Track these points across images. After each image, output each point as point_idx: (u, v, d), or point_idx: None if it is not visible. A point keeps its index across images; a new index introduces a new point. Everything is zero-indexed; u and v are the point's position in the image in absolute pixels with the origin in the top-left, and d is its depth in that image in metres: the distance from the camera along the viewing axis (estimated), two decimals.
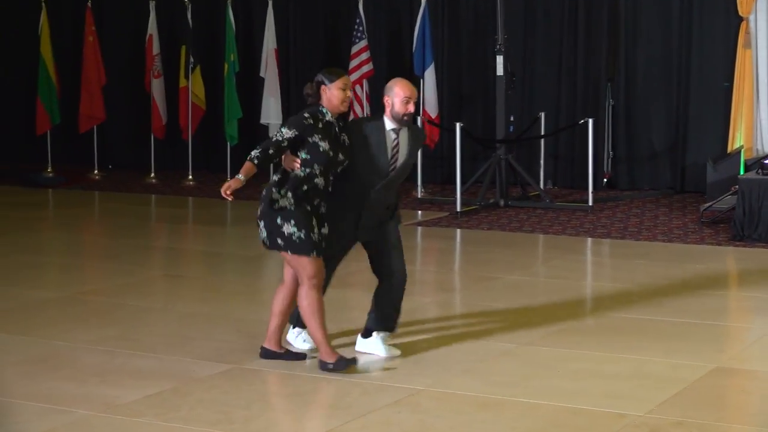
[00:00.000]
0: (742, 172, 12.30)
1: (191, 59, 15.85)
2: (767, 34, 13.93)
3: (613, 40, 14.88)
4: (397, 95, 6.82)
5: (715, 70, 14.32)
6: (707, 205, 12.41)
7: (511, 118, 14.01)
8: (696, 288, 9.21)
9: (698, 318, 8.17)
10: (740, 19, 13.91)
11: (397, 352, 7.16)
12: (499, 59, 13.82)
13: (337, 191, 6.77)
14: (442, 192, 14.55)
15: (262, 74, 15.57)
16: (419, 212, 13.38)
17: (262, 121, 15.59)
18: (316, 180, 6.58)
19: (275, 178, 6.68)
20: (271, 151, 6.45)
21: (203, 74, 16.01)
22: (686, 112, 14.49)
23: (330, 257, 6.91)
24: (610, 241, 11.54)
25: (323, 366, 6.71)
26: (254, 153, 6.46)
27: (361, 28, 14.90)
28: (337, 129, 6.68)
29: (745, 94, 13.85)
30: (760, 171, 11.46)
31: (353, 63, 14.89)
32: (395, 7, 16.06)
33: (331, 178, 6.67)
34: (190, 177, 16.01)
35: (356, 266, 8.20)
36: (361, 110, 14.88)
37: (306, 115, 6.58)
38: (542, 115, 14.36)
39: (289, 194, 6.53)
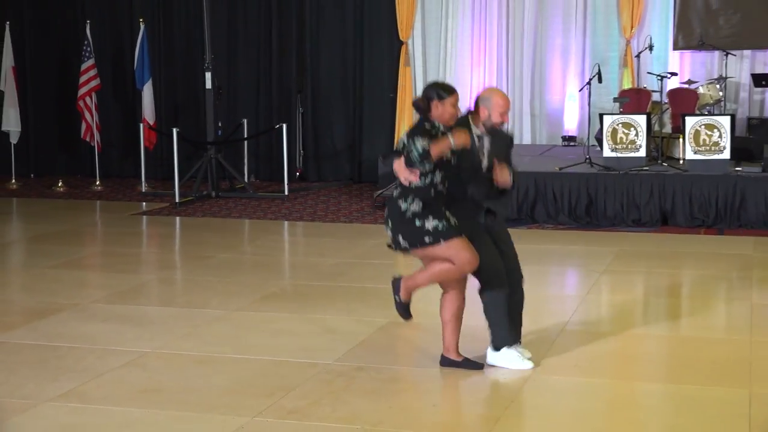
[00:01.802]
0: None
1: None
2: (422, 55, 14.43)
3: (300, 59, 15.03)
4: (496, 106, 5.93)
5: (382, 83, 14.71)
6: (379, 192, 12.71)
7: (219, 124, 13.96)
8: (371, 258, 9.46)
9: (374, 283, 8.37)
10: (401, 43, 14.36)
11: (530, 363, 6.10)
12: (208, 75, 13.74)
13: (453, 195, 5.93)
14: (162, 186, 14.32)
15: (2, 88, 14.86)
16: (143, 204, 13.13)
17: (3, 128, 14.91)
18: (440, 188, 5.73)
19: (395, 193, 5.80)
20: (422, 148, 5.53)
21: None
22: (361, 118, 14.83)
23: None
24: (303, 223, 11.68)
25: (449, 364, 6.00)
26: (415, 155, 5.53)
27: (88, 48, 14.48)
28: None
29: (407, 103, 14.29)
30: None
31: (83, 78, 14.47)
32: (118, 30, 15.67)
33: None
34: None
35: None
36: (91, 119, 14.50)
37: (426, 124, 5.74)
38: (245, 121, 14.35)
39: (417, 201, 5.70)
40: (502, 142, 6.13)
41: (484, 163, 6.01)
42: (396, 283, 6.02)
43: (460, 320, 6.01)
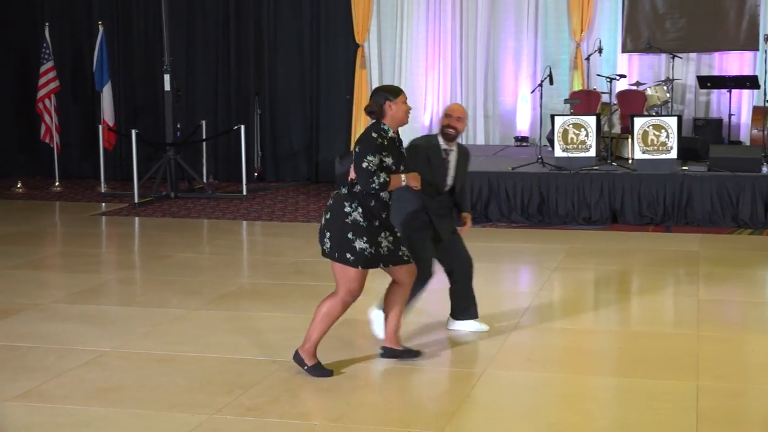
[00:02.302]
0: None
1: None
2: (378, 57, 14.43)
3: (258, 62, 14.98)
4: (447, 114, 6.33)
5: (339, 85, 14.70)
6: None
7: (178, 125, 13.89)
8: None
9: (332, 281, 8.31)
10: (357, 45, 14.35)
11: (486, 326, 6.68)
12: (167, 77, 13.66)
13: (400, 200, 6.10)
14: (122, 187, 14.21)
15: None
16: (103, 204, 13.02)
17: None
18: (384, 197, 5.72)
19: (344, 191, 5.74)
20: (384, 180, 5.60)
21: None
22: (318, 119, 14.81)
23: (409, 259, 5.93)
24: (261, 222, 11.64)
25: (301, 363, 5.86)
26: (375, 186, 5.58)
27: (47, 51, 14.32)
28: (397, 143, 5.80)
29: (363, 104, 14.27)
30: None
31: (42, 80, 14.32)
32: (77, 32, 15.53)
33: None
34: None
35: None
36: (51, 120, 14.34)
37: (374, 135, 5.68)
38: (203, 122, 14.29)
39: (360, 209, 5.65)
40: (465, 159, 6.51)
41: (449, 177, 6.38)
42: (297, 357, 5.88)
43: (398, 311, 6.02)
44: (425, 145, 6.43)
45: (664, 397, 5.45)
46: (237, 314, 7.31)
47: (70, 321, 7.12)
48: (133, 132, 13.20)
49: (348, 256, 5.68)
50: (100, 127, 14.16)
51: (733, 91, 12.50)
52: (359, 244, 5.65)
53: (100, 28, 14.28)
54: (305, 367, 5.84)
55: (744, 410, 5.35)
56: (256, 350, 6.35)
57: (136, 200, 12.71)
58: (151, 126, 14.94)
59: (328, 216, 5.79)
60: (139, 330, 6.87)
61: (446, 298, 6.74)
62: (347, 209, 5.70)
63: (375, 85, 14.34)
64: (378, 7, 14.35)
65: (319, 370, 5.82)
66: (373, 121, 5.82)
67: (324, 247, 5.79)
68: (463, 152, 6.54)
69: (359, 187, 5.69)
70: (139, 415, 5.23)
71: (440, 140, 6.42)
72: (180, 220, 11.76)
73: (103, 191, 13.81)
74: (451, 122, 6.38)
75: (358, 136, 5.84)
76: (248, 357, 6.21)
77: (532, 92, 13.13)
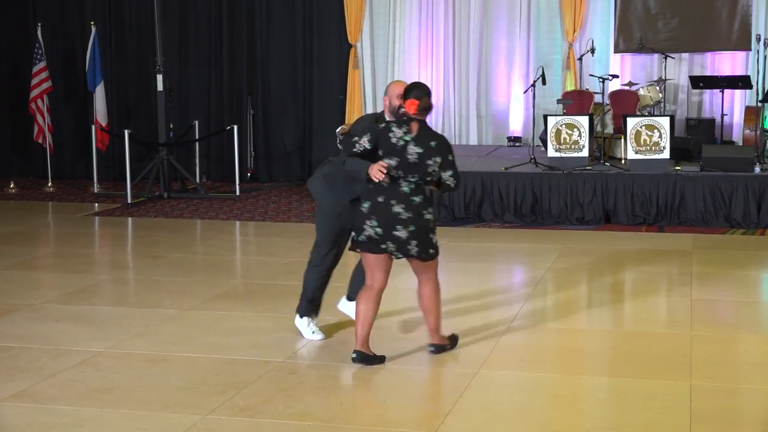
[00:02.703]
0: None
1: None
2: (371, 58, 14.43)
3: (251, 61, 14.96)
4: (392, 93, 6.22)
5: (332, 85, 14.69)
6: None
7: (171, 125, 13.85)
8: None
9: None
10: (350, 46, 14.34)
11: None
12: (159, 77, 13.64)
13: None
14: (115, 188, 14.19)
15: None
16: (96, 204, 12.98)
17: None
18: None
19: (417, 200, 5.83)
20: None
21: None
22: (311, 119, 14.79)
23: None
24: (254, 223, 11.62)
25: (442, 349, 6.20)
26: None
27: (40, 51, 14.29)
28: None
29: (356, 105, 14.32)
30: None
31: (34, 81, 14.27)
32: (69, 32, 15.50)
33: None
34: None
35: None
36: (43, 120, 14.32)
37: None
38: (196, 122, 14.26)
39: (431, 209, 5.96)
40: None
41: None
42: (438, 348, 6.16)
43: (368, 316, 6.02)
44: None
45: (658, 397, 5.45)
46: (230, 314, 7.30)
47: (63, 321, 7.11)
48: (126, 132, 13.18)
49: (432, 252, 5.96)
50: (93, 127, 14.14)
51: (726, 91, 12.51)
52: (435, 238, 5.99)
53: (93, 28, 14.25)
54: (447, 348, 6.18)
55: (737, 410, 5.36)
56: (249, 351, 6.34)
57: (129, 200, 12.69)
58: (144, 126, 14.91)
59: (410, 228, 5.82)
60: (132, 330, 6.86)
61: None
62: (428, 216, 5.88)
63: (368, 85, 14.37)
64: (371, 7, 14.34)
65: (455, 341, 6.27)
66: (422, 119, 5.90)
67: (412, 254, 5.90)
68: None
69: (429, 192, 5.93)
70: (132, 416, 5.22)
71: None
72: (173, 221, 11.74)
73: (96, 191, 13.78)
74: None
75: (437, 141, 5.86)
76: (242, 357, 6.20)
77: (524, 92, 13.13)
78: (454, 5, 14.14)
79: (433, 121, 13.78)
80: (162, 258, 9.49)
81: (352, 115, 14.24)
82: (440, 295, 6.14)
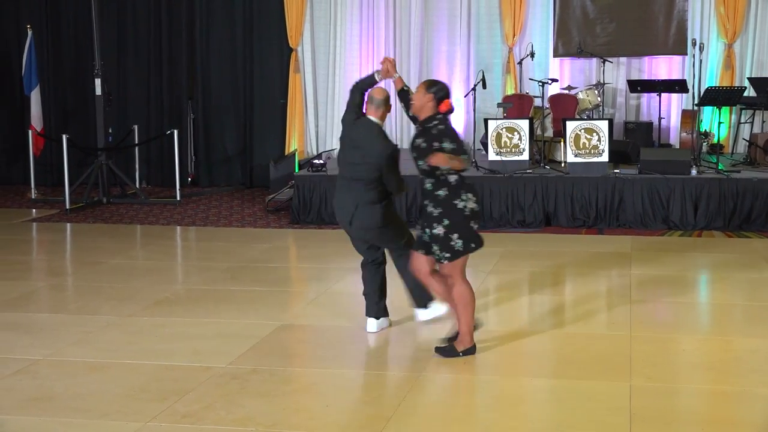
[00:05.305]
0: (297, 170, 12.65)
1: None
2: (312, 62, 14.40)
3: (191, 65, 14.87)
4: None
5: (273, 89, 14.64)
6: (271, 196, 12.67)
7: (110, 130, 13.72)
8: (264, 262, 9.40)
9: (266, 286, 8.34)
10: (291, 50, 14.31)
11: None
12: (98, 81, 13.50)
13: None
14: (52, 193, 14.01)
15: None
16: (33, 210, 12.80)
17: None
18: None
19: (443, 193, 6.04)
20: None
21: None
22: (252, 123, 14.73)
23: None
24: (195, 228, 11.54)
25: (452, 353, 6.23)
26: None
27: None
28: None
29: (297, 108, 14.29)
30: (309, 169, 11.84)
31: None
32: (5, 36, 15.29)
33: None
34: None
35: None
36: None
37: None
38: (136, 127, 14.14)
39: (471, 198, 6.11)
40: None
41: None
42: (448, 351, 6.20)
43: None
44: None
45: (598, 398, 5.50)
46: (171, 320, 7.23)
47: None
48: (64, 137, 13.02)
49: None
50: (30, 131, 13.95)
51: (663, 94, 12.70)
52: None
53: (29, 32, 14.06)
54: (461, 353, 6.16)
55: (676, 409, 5.43)
56: (190, 357, 6.29)
57: (67, 206, 12.54)
58: (82, 131, 14.75)
59: (444, 222, 5.98)
60: (71, 337, 6.77)
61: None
62: (460, 205, 6.03)
63: (309, 89, 14.34)
64: (311, 11, 14.32)
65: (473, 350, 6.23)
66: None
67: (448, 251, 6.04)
68: None
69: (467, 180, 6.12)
70: (71, 424, 5.15)
71: None
72: (113, 226, 11.62)
73: (33, 197, 13.60)
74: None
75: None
76: (182, 364, 6.15)
77: (465, 96, 13.20)
78: (394, 10, 14.18)
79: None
80: (101, 264, 9.38)
81: (293, 119, 14.22)
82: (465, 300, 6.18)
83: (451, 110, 6.13)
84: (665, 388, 5.69)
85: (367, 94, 6.56)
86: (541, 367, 6.29)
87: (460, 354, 6.16)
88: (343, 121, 6.62)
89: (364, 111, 6.53)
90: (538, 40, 13.58)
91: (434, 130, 5.98)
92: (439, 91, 6.10)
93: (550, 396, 5.70)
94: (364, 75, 6.24)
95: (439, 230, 5.95)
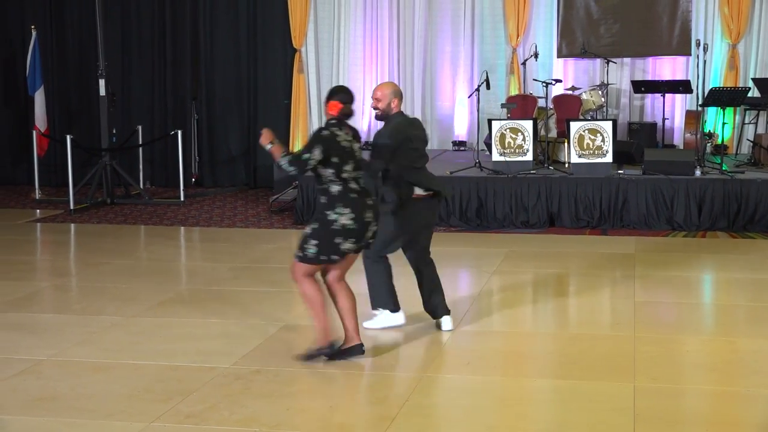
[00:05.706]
0: None
1: None
2: (315, 63, 14.41)
3: (195, 66, 14.88)
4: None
5: (277, 90, 14.65)
6: (275, 197, 12.68)
7: (114, 131, 13.74)
8: (267, 263, 9.41)
9: (270, 287, 8.34)
10: (294, 50, 14.31)
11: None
12: (102, 82, 13.51)
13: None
14: (57, 194, 14.02)
15: None
16: (38, 211, 12.82)
17: None
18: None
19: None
20: None
21: None
22: (255, 124, 14.71)
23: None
24: (199, 228, 11.55)
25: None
26: None
27: None
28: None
29: (301, 109, 14.30)
30: None
31: None
32: (9, 36, 15.30)
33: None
34: None
35: None
36: None
37: None
38: (139, 128, 14.16)
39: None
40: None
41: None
42: (312, 355, 6.15)
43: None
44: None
45: (602, 399, 5.50)
46: (175, 321, 7.24)
47: (3, 329, 7.00)
48: (68, 137, 13.03)
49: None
50: (34, 132, 13.97)
51: (667, 95, 12.69)
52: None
53: (33, 32, 14.08)
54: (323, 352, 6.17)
55: (680, 410, 5.43)
56: (194, 357, 6.29)
57: (71, 207, 12.55)
58: (86, 131, 14.77)
59: (315, 226, 6.06)
60: (75, 338, 6.78)
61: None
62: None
63: (313, 90, 14.35)
64: (315, 12, 14.33)
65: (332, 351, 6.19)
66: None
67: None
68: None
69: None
70: (75, 425, 5.15)
71: None
72: (117, 227, 11.63)
73: (37, 198, 13.62)
74: (372, 103, 6.79)
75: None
76: (186, 364, 6.16)
77: (469, 97, 13.20)
78: (398, 10, 14.18)
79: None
80: (105, 264, 9.39)
81: (297, 120, 14.22)
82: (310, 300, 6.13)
83: (343, 113, 6.05)
84: (669, 389, 5.69)
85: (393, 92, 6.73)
86: (544, 367, 6.29)
87: (319, 353, 6.14)
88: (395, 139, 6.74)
89: (394, 110, 6.70)
90: (542, 41, 13.58)
91: None
92: (328, 94, 6.16)
93: (553, 396, 5.70)
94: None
95: (307, 229, 6.04)
